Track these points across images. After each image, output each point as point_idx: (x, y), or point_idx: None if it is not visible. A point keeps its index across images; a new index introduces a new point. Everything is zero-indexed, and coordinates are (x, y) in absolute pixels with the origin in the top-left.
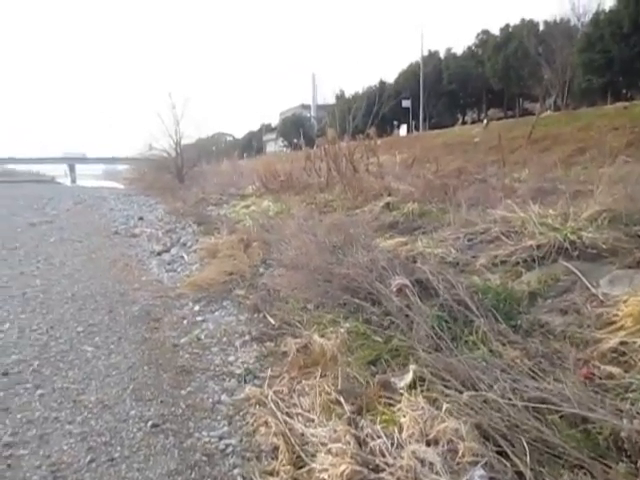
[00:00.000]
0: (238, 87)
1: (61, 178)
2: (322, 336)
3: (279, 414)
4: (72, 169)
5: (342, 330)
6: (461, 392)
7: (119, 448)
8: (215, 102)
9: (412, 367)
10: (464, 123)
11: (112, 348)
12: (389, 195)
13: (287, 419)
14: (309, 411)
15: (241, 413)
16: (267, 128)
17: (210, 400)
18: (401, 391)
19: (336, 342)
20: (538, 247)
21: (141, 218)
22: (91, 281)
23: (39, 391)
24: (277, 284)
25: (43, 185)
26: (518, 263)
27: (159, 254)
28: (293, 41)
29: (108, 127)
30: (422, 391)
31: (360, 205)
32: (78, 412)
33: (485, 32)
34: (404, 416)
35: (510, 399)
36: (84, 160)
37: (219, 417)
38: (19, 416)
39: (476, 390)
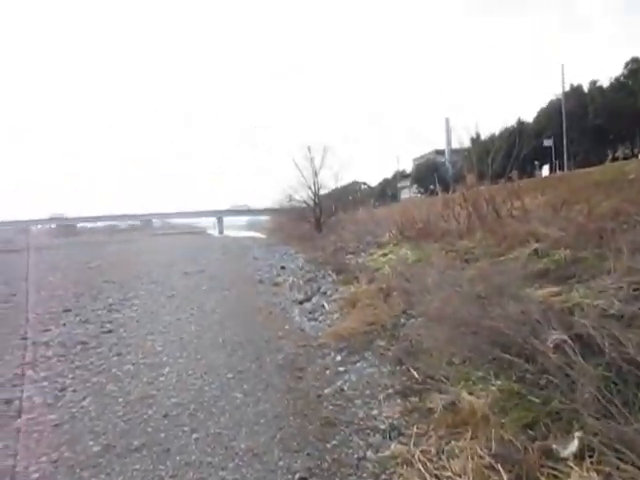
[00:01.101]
0: (372, 136)
1: (210, 229)
2: (471, 393)
3: (428, 476)
4: (220, 221)
5: (493, 388)
6: None
7: None
8: (350, 151)
9: (577, 434)
10: (614, 159)
11: (260, 396)
12: (536, 241)
13: None
14: (460, 476)
15: (387, 472)
16: (401, 175)
17: (355, 455)
18: (567, 461)
19: (487, 401)
20: None
21: (283, 267)
22: (239, 328)
23: (195, 435)
24: (420, 336)
25: (195, 236)
26: None
27: (301, 303)
28: (425, 86)
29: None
30: (592, 463)
31: (504, 252)
32: (230, 459)
33: (635, 60)
34: None
35: None
36: (229, 212)
37: (365, 474)
38: (178, 458)
39: None
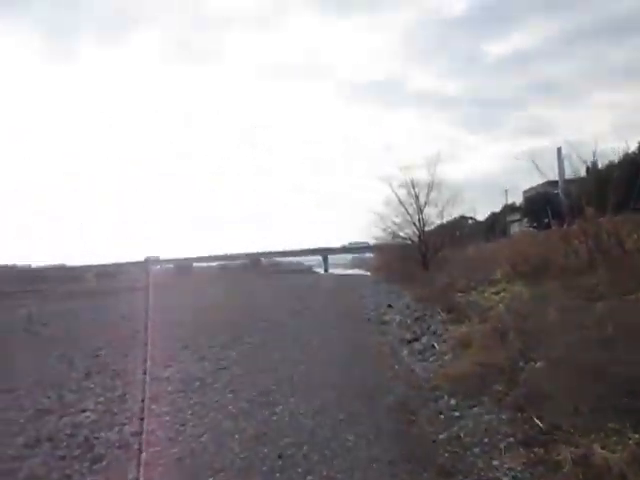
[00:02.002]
0: (478, 168)
1: (316, 267)
2: (604, 447)
3: None
4: (325, 259)
5: (630, 442)
6: None
7: None
8: (453, 185)
9: None
10: None
11: (371, 439)
12: None
13: None
14: None
15: None
16: (510, 208)
17: None
18: None
19: (623, 456)
20: None
21: (390, 305)
22: (348, 368)
23: (309, 477)
24: (541, 381)
25: (302, 275)
26: None
27: (409, 342)
28: (535, 115)
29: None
30: None
31: (633, 290)
32: None
33: None
34: None
35: None
36: (334, 250)
37: None
38: None
39: None
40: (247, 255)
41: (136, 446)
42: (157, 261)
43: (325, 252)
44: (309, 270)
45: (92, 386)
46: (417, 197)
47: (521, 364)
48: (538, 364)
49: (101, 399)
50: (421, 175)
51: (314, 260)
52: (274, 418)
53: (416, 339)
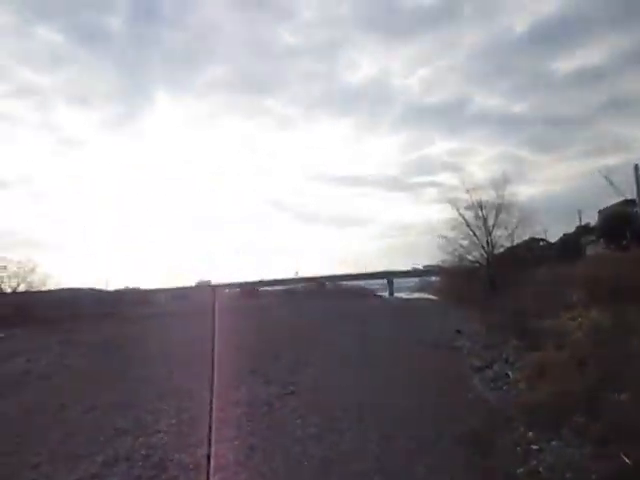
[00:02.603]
0: (547, 188)
1: (380, 291)
2: None
3: None
4: (390, 283)
5: None
6: None
7: None
8: (523, 207)
9: None
10: None
11: (443, 471)
12: None
13: None
14: None
15: None
16: (585, 229)
17: None
18: None
19: None
20: None
21: (458, 331)
22: (417, 395)
23: None
24: (626, 413)
25: (367, 299)
26: None
27: (480, 370)
28: (605, 133)
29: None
30: None
31: None
32: None
33: None
34: None
35: None
36: (399, 274)
37: None
38: None
39: None
40: (312, 279)
41: (206, 471)
42: (214, 286)
43: (390, 275)
44: (373, 294)
45: (166, 407)
46: (485, 219)
47: (603, 394)
48: (622, 395)
49: (174, 421)
50: (488, 197)
51: (378, 283)
52: (342, 444)
53: (488, 366)
